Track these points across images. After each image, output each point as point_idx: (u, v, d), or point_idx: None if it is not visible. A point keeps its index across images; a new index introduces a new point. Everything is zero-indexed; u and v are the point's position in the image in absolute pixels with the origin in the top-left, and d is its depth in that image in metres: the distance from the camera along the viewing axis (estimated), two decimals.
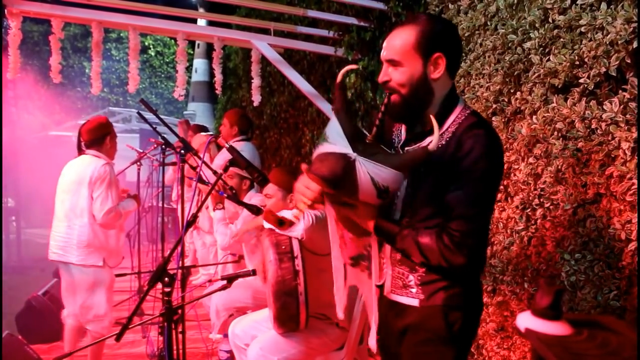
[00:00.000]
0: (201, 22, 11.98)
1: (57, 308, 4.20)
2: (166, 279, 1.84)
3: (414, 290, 1.59)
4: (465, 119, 1.53)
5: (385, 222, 1.57)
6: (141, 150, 5.06)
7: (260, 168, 3.43)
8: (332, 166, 1.43)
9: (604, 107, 1.91)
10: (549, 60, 2.16)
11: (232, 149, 1.90)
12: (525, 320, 1.05)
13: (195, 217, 1.87)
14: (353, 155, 1.41)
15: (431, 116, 1.45)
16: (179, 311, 2.14)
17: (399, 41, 1.52)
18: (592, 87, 1.98)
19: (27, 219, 10.59)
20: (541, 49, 2.23)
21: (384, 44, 1.58)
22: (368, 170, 1.40)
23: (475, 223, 1.46)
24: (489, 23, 2.62)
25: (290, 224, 1.54)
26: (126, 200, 3.48)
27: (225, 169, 2.00)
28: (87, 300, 3.24)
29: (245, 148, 4.18)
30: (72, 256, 3.19)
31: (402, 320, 1.64)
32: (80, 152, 3.38)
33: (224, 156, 4.20)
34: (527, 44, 2.29)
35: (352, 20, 3.87)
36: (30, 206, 10.63)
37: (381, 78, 1.56)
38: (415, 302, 1.59)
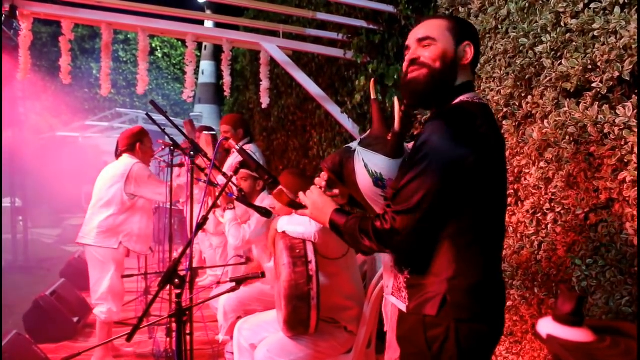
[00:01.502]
0: (208, 24, 12.01)
1: (64, 308, 4.23)
2: (176, 280, 1.84)
3: (403, 293, 1.57)
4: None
5: (336, 215, 1.59)
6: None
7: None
8: (334, 157, 1.63)
9: (617, 111, 1.90)
10: (560, 64, 2.15)
11: (242, 151, 1.90)
12: (547, 327, 1.04)
13: (205, 219, 1.87)
14: (354, 146, 1.53)
15: (394, 98, 1.52)
16: (187, 312, 2.14)
17: (435, 23, 1.58)
18: (605, 91, 1.97)
19: (35, 219, 10.64)
20: (553, 52, 2.22)
21: (417, 28, 1.61)
22: (364, 158, 1.54)
23: (411, 206, 1.39)
24: (500, 26, 2.61)
25: (302, 206, 1.64)
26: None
27: (236, 171, 2.00)
28: (95, 284, 3.59)
29: (254, 149, 4.19)
30: (90, 239, 3.59)
31: (398, 327, 1.62)
32: (117, 157, 3.83)
33: (234, 158, 4.20)
34: (539, 48, 2.28)
35: (361, 23, 3.86)
36: (37, 206, 10.68)
37: (409, 57, 1.58)
38: (403, 307, 1.57)
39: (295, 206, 1.74)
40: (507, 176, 2.47)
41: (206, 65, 21.27)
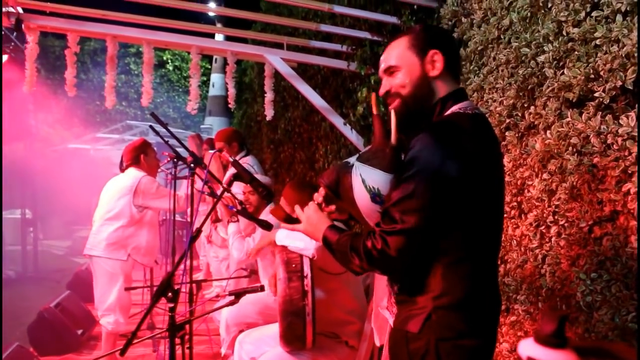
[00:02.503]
0: (219, 37, 12.10)
1: (69, 320, 4.22)
2: (170, 294, 1.81)
3: (394, 308, 1.55)
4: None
5: (329, 232, 1.56)
6: None
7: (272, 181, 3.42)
8: (331, 172, 1.59)
9: (620, 121, 1.85)
10: (563, 73, 2.11)
11: (235, 163, 1.88)
12: (528, 348, 0.98)
13: (199, 231, 1.84)
14: (352, 161, 1.49)
15: (392, 110, 1.48)
16: (187, 326, 2.11)
17: (393, 49, 1.55)
18: (608, 101, 1.92)
19: (46, 230, 10.71)
20: (555, 62, 2.18)
21: (382, 58, 1.59)
22: (362, 173, 1.49)
23: (399, 227, 1.35)
24: (502, 37, 2.58)
25: (297, 221, 1.61)
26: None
27: (230, 184, 1.98)
28: (102, 295, 3.60)
29: (251, 162, 4.20)
30: (98, 250, 3.59)
31: (389, 341, 1.58)
32: (122, 170, 3.85)
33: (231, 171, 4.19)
34: (541, 58, 2.25)
35: (365, 35, 3.85)
36: (49, 218, 10.75)
37: (382, 91, 1.56)
38: (391, 321, 1.55)
39: (291, 222, 1.71)
40: (510, 188, 2.44)
41: (216, 78, 21.42)
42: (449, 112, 1.48)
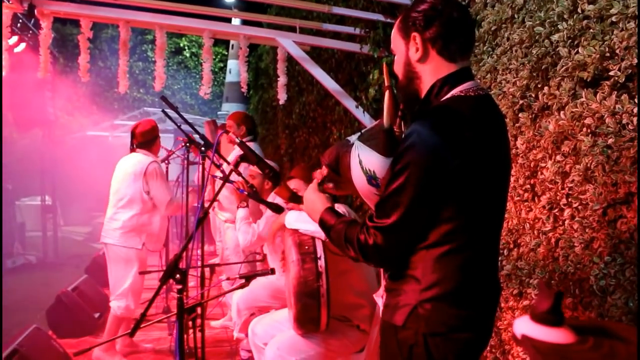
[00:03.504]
0: (235, 21, 12.06)
1: (86, 303, 4.29)
2: (177, 275, 1.82)
3: (384, 295, 1.53)
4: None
5: (327, 214, 1.55)
6: (171, 149, 5.09)
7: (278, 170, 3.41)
8: (332, 151, 1.60)
9: (636, 100, 1.80)
10: (577, 52, 2.06)
11: (242, 144, 1.87)
12: (523, 326, 0.95)
13: (205, 214, 1.84)
14: (353, 139, 1.47)
15: (386, 93, 1.46)
16: (198, 309, 2.12)
17: (394, 28, 1.51)
18: (624, 79, 1.87)
19: (66, 217, 10.88)
20: (570, 40, 2.12)
21: None
22: (359, 154, 1.46)
23: (390, 222, 1.32)
24: (516, 16, 2.51)
25: (301, 200, 1.63)
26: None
27: (237, 165, 1.97)
28: (117, 281, 3.63)
29: (254, 147, 4.19)
30: (114, 238, 3.62)
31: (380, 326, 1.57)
32: (132, 150, 3.81)
33: (235, 153, 4.19)
34: (555, 36, 2.19)
35: (378, 17, 3.80)
36: (69, 204, 10.92)
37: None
38: (381, 311, 1.54)
39: (296, 200, 1.70)
40: (523, 171, 2.39)
41: (233, 64, 21.40)
42: (448, 96, 1.41)
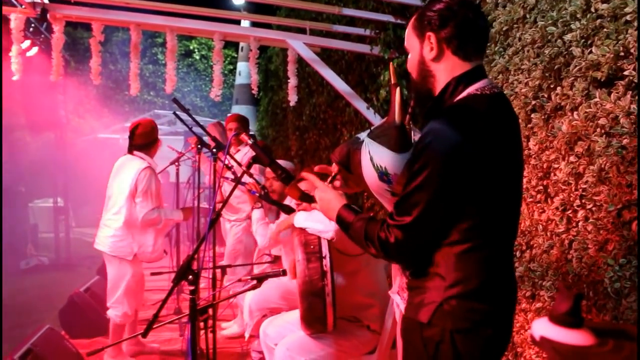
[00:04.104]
0: (244, 23, 12.10)
1: (98, 304, 4.31)
2: (190, 276, 1.83)
3: (405, 294, 1.52)
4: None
5: (345, 211, 1.54)
6: (181, 152, 5.12)
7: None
8: (342, 148, 1.59)
9: None
10: (591, 52, 2.04)
11: (255, 146, 1.87)
12: (541, 328, 0.94)
13: (218, 215, 1.85)
14: (363, 136, 1.47)
15: (397, 90, 1.47)
16: (210, 310, 2.13)
17: (408, 27, 1.52)
18: (638, 79, 1.85)
19: (78, 218, 10.96)
20: (583, 40, 2.11)
21: None
22: (370, 151, 1.46)
23: (411, 220, 1.32)
24: (528, 16, 2.50)
25: (313, 199, 1.62)
26: (173, 210, 3.82)
27: (249, 166, 1.98)
28: (112, 287, 3.61)
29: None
30: (105, 246, 3.55)
31: (401, 325, 1.56)
32: (130, 151, 3.72)
33: (243, 154, 4.18)
34: (568, 36, 2.17)
35: (388, 18, 3.79)
36: (80, 206, 11.00)
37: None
38: (402, 308, 1.53)
39: (308, 199, 1.70)
40: (536, 172, 2.38)
41: (243, 67, 21.42)
42: (463, 94, 1.42)
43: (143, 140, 3.69)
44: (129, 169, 3.60)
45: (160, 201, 3.69)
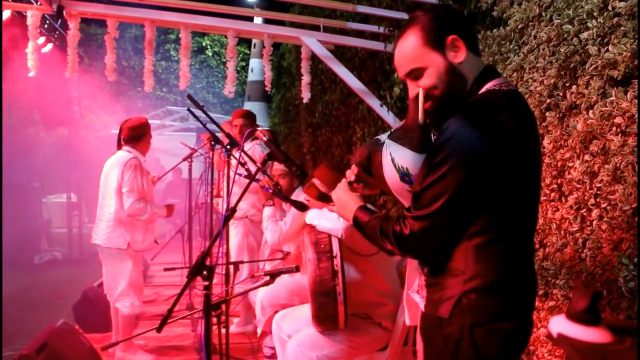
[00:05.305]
0: (257, 20, 12.13)
1: None
2: (205, 272, 1.84)
3: (424, 292, 1.52)
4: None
5: (361, 212, 1.55)
6: (194, 148, 5.15)
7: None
8: (363, 150, 1.59)
9: None
10: (607, 50, 2.02)
11: (270, 143, 1.88)
12: (559, 325, 0.94)
13: (233, 211, 1.86)
14: (383, 138, 1.48)
15: (420, 90, 1.43)
16: (222, 306, 2.14)
17: (407, 49, 1.46)
18: (638, 79, 1.84)
19: (90, 214, 11.05)
20: (599, 38, 2.09)
21: (396, 61, 1.52)
22: (391, 152, 1.47)
23: (431, 211, 1.32)
24: (543, 14, 2.48)
25: (331, 199, 1.62)
26: (159, 206, 3.83)
27: (264, 163, 1.98)
28: (113, 280, 3.64)
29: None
30: (100, 239, 3.60)
31: (420, 324, 1.56)
32: (119, 146, 3.75)
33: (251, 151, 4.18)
34: (584, 34, 2.16)
35: (402, 15, 3.78)
36: (93, 202, 11.09)
37: (411, 94, 1.49)
38: (422, 305, 1.52)
39: (325, 199, 1.71)
40: (550, 170, 2.37)
41: (255, 63, 21.50)
42: (483, 90, 1.42)
43: (130, 133, 3.70)
44: (116, 160, 3.66)
45: (149, 195, 3.72)
